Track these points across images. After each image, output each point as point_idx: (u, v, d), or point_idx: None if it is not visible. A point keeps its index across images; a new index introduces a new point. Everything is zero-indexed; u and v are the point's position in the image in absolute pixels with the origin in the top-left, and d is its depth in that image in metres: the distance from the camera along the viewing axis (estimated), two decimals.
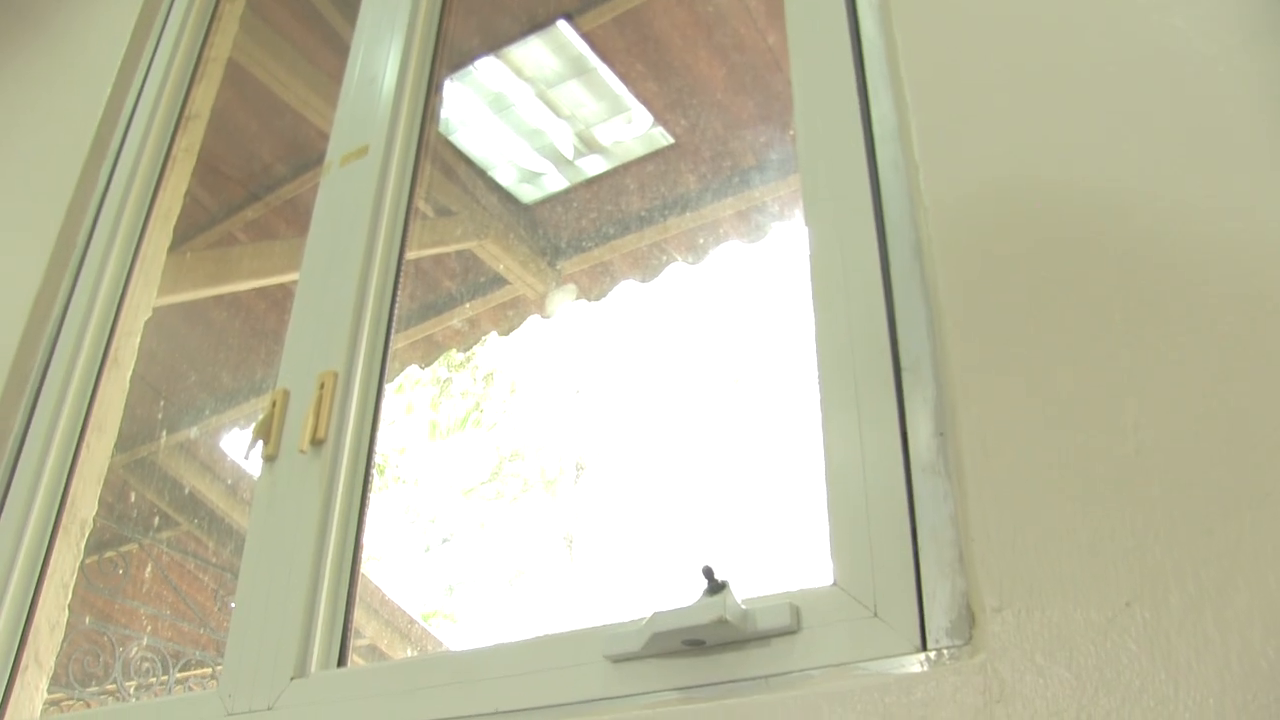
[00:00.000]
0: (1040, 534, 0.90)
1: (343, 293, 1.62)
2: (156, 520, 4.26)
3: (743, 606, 1.03)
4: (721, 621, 1.01)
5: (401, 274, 1.67)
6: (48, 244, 2.12)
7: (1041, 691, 0.84)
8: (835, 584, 1.04)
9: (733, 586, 1.04)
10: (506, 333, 3.85)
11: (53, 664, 1.84)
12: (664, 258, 3.62)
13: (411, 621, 4.71)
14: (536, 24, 3.16)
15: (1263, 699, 0.77)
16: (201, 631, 4.43)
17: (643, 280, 3.67)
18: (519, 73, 3.34)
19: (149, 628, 4.22)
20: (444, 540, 6.12)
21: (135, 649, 4.14)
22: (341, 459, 1.49)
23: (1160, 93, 1.03)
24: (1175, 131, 1.01)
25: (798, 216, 3.45)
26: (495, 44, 3.22)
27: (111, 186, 2.18)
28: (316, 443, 1.49)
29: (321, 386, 1.53)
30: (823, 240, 1.22)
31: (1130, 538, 0.86)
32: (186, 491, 4.13)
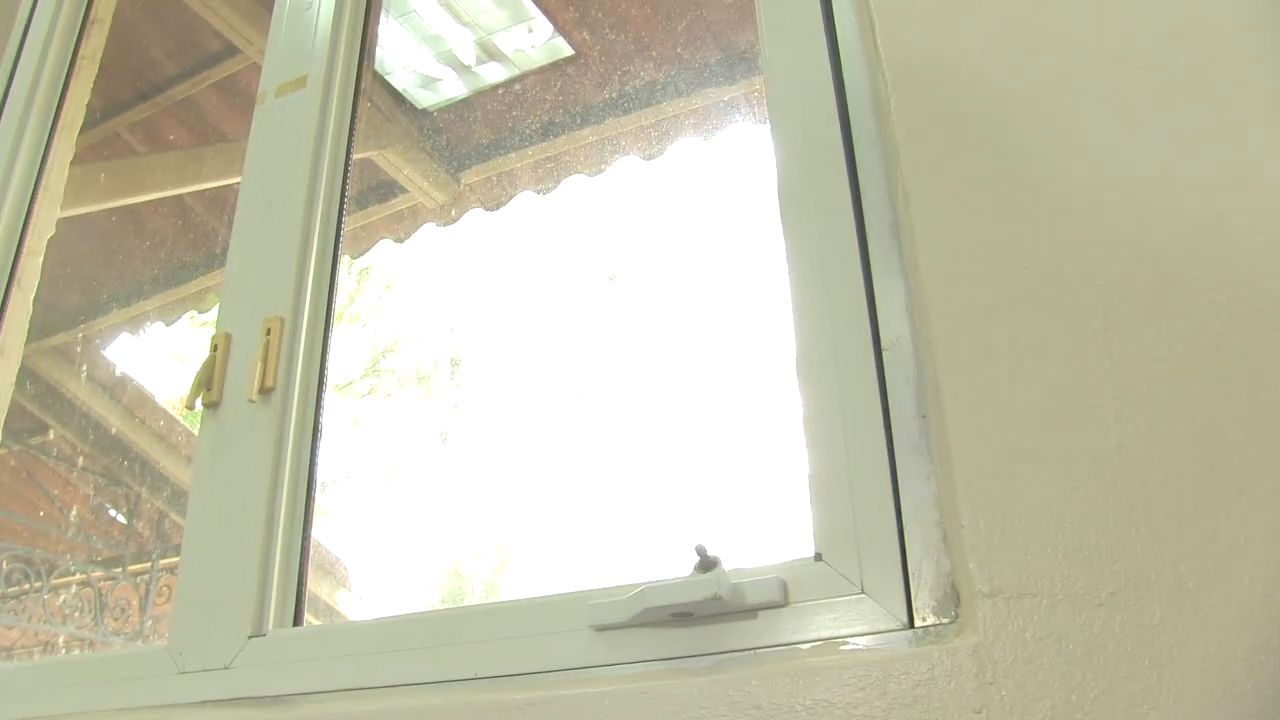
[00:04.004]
0: (1027, 522, 0.93)
1: (286, 233, 1.57)
2: (24, 425, 4.13)
3: (732, 581, 1.05)
4: (715, 598, 1.03)
5: (345, 211, 1.63)
6: None
7: (1033, 675, 0.88)
8: (819, 558, 1.06)
9: (724, 563, 1.07)
10: (401, 240, 3.79)
11: None
12: (563, 170, 3.59)
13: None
14: None
15: (1240, 687, 0.82)
16: (77, 539, 4.33)
17: (541, 192, 3.64)
18: None
19: (20, 536, 4.12)
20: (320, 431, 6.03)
21: (4, 560, 4.04)
22: (291, 408, 1.46)
23: (1157, 71, 1.05)
24: (1164, 123, 1.03)
25: (695, 136, 3.46)
26: None
27: (11, 96, 2.06)
28: (265, 391, 1.46)
29: (268, 333, 1.49)
30: (798, 228, 1.23)
31: (1114, 530, 0.90)
32: (63, 396, 4.00)
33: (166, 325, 4.07)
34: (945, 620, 0.98)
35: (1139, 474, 0.92)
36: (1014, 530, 0.94)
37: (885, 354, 1.12)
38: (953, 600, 0.98)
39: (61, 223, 2.13)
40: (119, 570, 4.37)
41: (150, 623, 4.30)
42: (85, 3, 2.16)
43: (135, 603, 4.35)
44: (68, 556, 4.23)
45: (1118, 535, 0.90)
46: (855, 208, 1.20)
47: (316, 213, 1.60)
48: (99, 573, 4.34)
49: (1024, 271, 1.02)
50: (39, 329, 3.58)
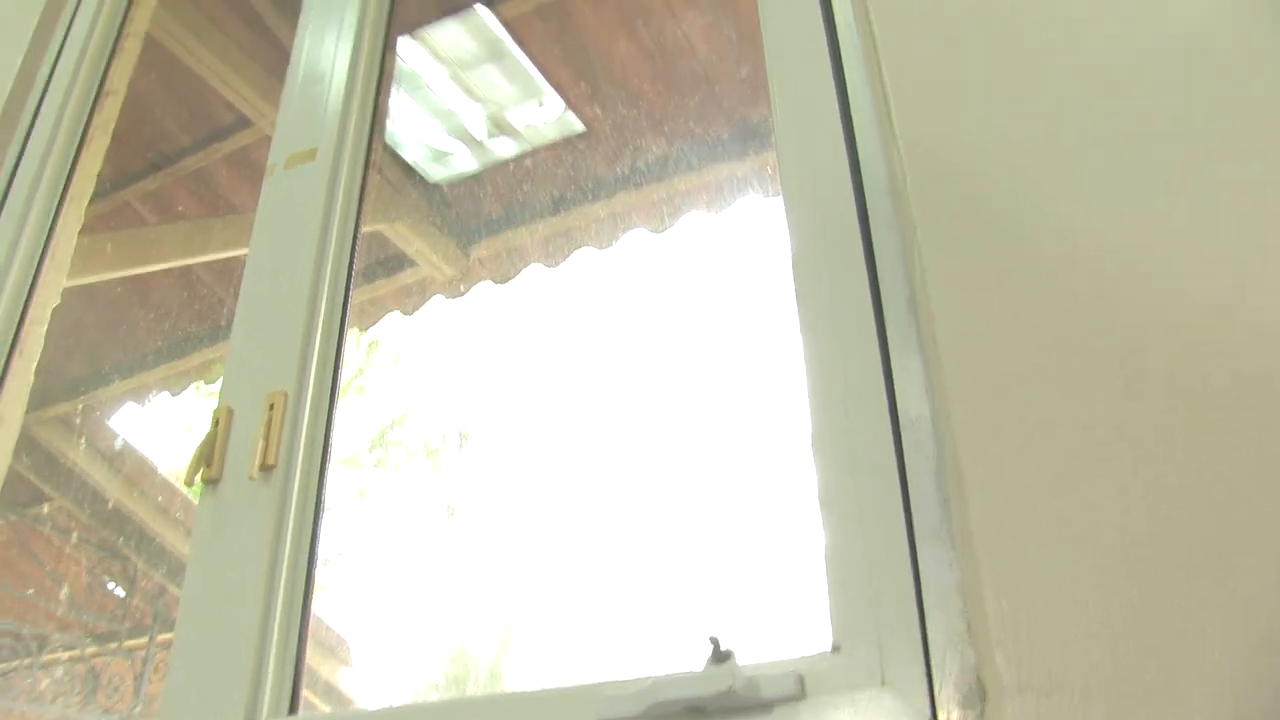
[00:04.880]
0: (1057, 614, 0.89)
1: (292, 306, 1.55)
2: (22, 495, 4.09)
3: (747, 675, 1.02)
4: (729, 691, 0.99)
5: (352, 286, 1.61)
6: None
7: None
8: (837, 650, 1.03)
9: (738, 656, 1.03)
10: (410, 312, 3.78)
11: None
12: (573, 243, 3.60)
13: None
14: (456, 6, 3.09)
15: None
16: (71, 615, 4.27)
17: (550, 265, 3.64)
18: (434, 53, 3.27)
19: (12, 610, 4.06)
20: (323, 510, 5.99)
21: None
22: (293, 487, 1.43)
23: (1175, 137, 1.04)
24: (1176, 201, 1.02)
25: (706, 210, 3.47)
26: (412, 25, 3.14)
27: (22, 166, 2.05)
28: (266, 468, 1.43)
29: (271, 408, 1.47)
30: (813, 304, 1.21)
31: (1151, 619, 0.86)
32: (63, 466, 3.97)
33: (173, 395, 4.06)
34: (971, 716, 0.93)
35: (1177, 558, 0.88)
36: (1043, 621, 0.90)
37: (904, 434, 1.10)
38: (979, 695, 0.94)
39: (67, 291, 2.11)
40: (115, 645, 4.30)
41: (140, 706, 4.23)
42: (100, 73, 2.17)
43: (130, 680, 4.28)
44: (57, 634, 4.17)
45: (1156, 625, 0.86)
46: (871, 284, 1.19)
47: (324, 285, 1.58)
48: (92, 649, 4.28)
49: (1046, 349, 1.00)
50: (41, 397, 3.56)
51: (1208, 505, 0.89)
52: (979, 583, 0.94)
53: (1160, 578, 0.88)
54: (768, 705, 1.01)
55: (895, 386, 1.13)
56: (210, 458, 1.48)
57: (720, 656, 1.03)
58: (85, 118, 2.12)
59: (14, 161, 2.06)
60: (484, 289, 3.76)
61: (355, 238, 1.65)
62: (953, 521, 1.02)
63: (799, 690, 1.00)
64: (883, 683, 0.99)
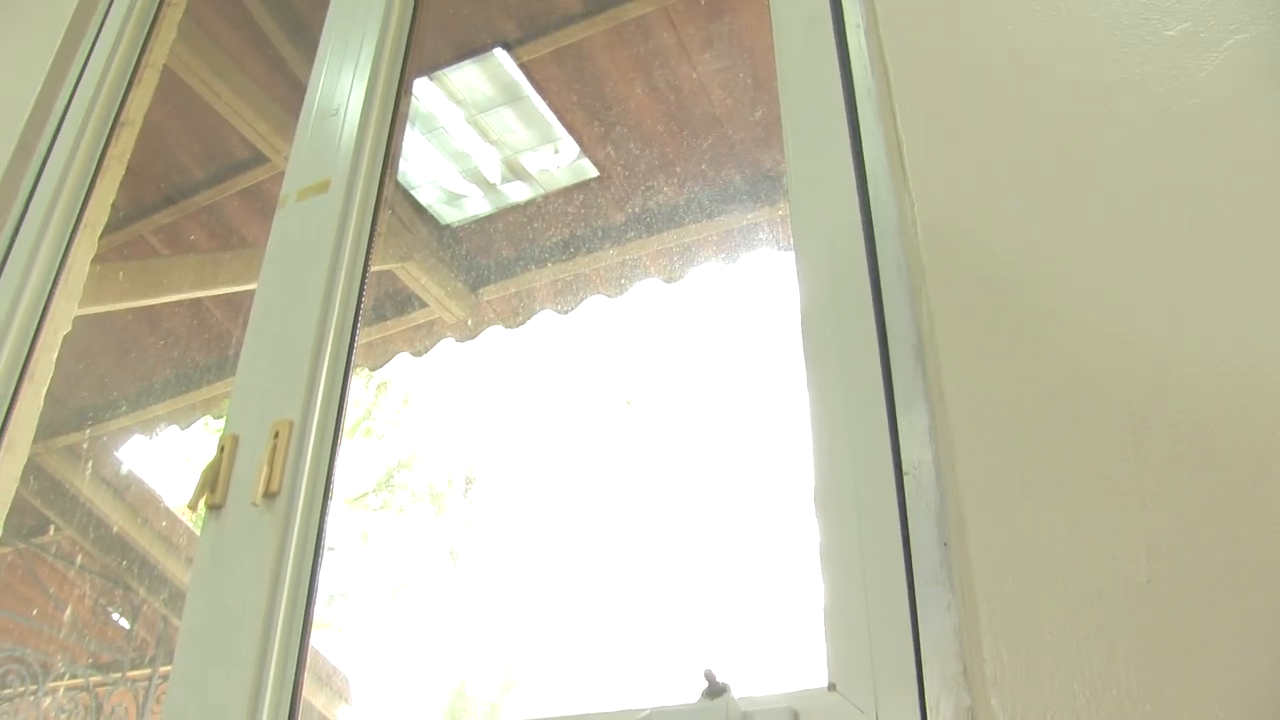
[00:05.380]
0: (1053, 658, 0.89)
1: (301, 335, 1.56)
2: (30, 524, 4.09)
3: (742, 709, 1.01)
4: None
5: (361, 320, 1.62)
6: None
7: None
8: (833, 688, 1.02)
9: (733, 690, 1.03)
10: (419, 354, 3.79)
11: None
12: (584, 290, 3.61)
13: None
14: (474, 50, 3.12)
15: None
16: (76, 642, 4.26)
17: (561, 311, 3.65)
18: (451, 96, 3.30)
19: (18, 637, 4.05)
20: (328, 549, 6.00)
21: None
22: (295, 515, 1.43)
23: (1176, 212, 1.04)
24: (1187, 271, 1.02)
25: (720, 259, 3.48)
26: (430, 66, 3.17)
27: (37, 193, 2.08)
28: (270, 495, 1.43)
29: (276, 436, 1.47)
30: (821, 354, 1.21)
31: (1146, 668, 0.86)
32: (70, 495, 3.97)
33: (181, 429, 4.07)
34: None
35: (1173, 608, 0.88)
36: (1039, 666, 0.90)
37: (906, 479, 1.10)
38: None
39: (78, 320, 2.12)
40: (118, 675, 4.29)
41: None
42: (117, 104, 2.19)
43: (133, 711, 4.26)
44: (62, 660, 4.16)
45: (1150, 674, 0.86)
46: (879, 330, 1.19)
47: (332, 316, 1.58)
48: (96, 677, 4.26)
49: (1050, 400, 1.00)
50: (49, 426, 3.56)
51: (1209, 555, 0.89)
52: (977, 626, 0.94)
53: (1161, 624, 0.87)
54: None
55: (899, 434, 1.13)
56: (215, 483, 1.48)
57: (715, 690, 1.02)
58: (101, 147, 2.14)
59: (30, 188, 2.09)
60: (494, 333, 3.77)
61: (365, 270, 1.66)
62: (952, 565, 1.02)
63: None
64: None
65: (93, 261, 2.15)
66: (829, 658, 1.04)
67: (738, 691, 1.03)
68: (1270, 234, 1.00)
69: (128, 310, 3.46)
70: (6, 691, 3.98)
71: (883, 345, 1.18)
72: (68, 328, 2.08)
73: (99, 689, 4.36)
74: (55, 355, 2.04)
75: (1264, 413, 0.92)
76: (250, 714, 1.30)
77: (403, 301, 3.65)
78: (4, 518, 1.99)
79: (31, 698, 3.97)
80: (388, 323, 3.69)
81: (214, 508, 1.48)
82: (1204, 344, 0.97)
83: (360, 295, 1.64)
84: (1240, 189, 1.04)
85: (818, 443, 1.16)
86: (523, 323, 3.71)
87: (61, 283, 2.03)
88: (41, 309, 1.99)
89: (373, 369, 4.14)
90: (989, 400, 1.03)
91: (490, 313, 3.73)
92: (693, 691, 1.04)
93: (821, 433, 1.16)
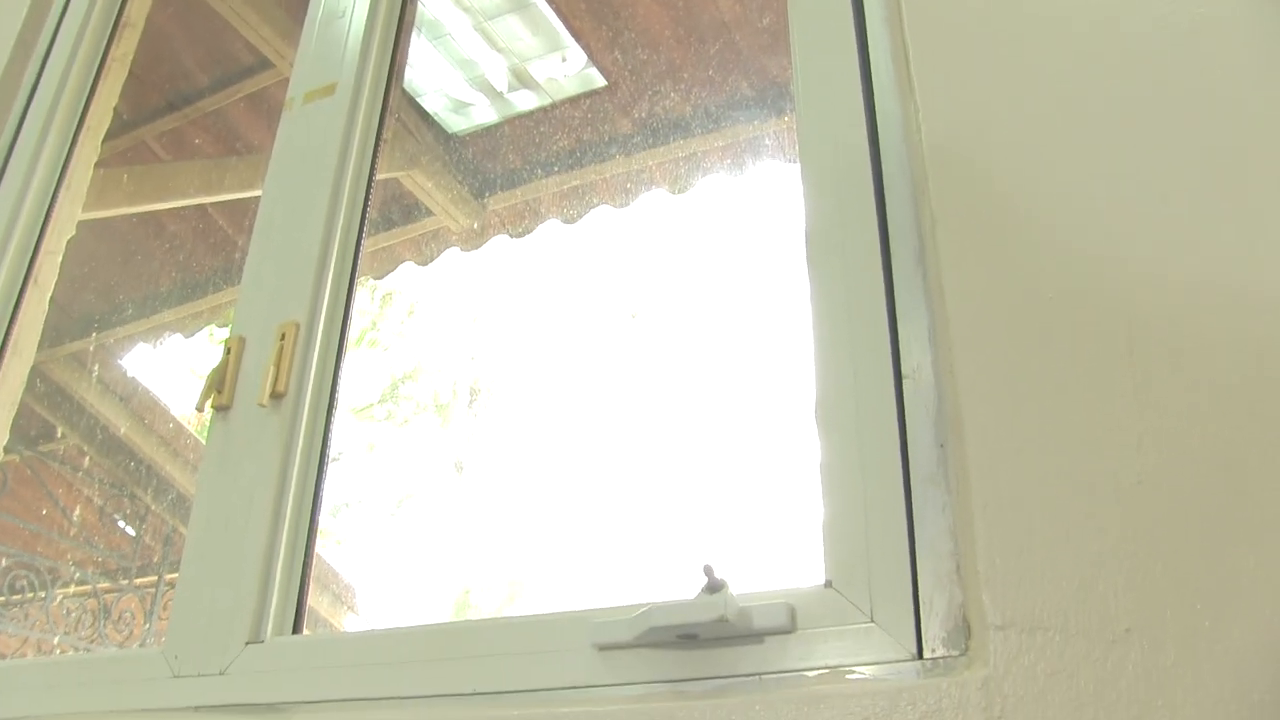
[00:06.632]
0: (1044, 555, 0.91)
1: (306, 239, 1.56)
2: (36, 431, 4.12)
3: (740, 605, 1.03)
4: (721, 619, 1.01)
5: (366, 221, 1.62)
6: None
7: (1042, 712, 0.85)
8: (829, 585, 1.04)
9: (731, 585, 1.04)
10: (424, 263, 3.79)
11: None
12: (590, 199, 3.60)
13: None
14: None
15: None
16: (83, 549, 4.31)
17: (567, 221, 3.64)
18: (458, 2, 3.26)
19: (26, 542, 4.10)
20: (333, 459, 6.02)
21: (6, 564, 4.02)
22: (302, 414, 1.44)
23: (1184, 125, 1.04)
24: (1193, 173, 1.02)
25: (726, 169, 3.46)
26: None
27: (37, 95, 2.06)
28: (276, 396, 1.44)
29: (283, 338, 1.48)
30: (824, 262, 1.21)
31: (1132, 565, 0.88)
32: (75, 402, 3.99)
33: (185, 338, 4.08)
34: (955, 652, 0.95)
35: (1161, 508, 0.90)
36: (1029, 562, 0.91)
37: (905, 382, 1.10)
38: (963, 632, 0.96)
39: (82, 225, 2.12)
40: (125, 582, 4.34)
41: (151, 640, 4.28)
42: (119, 4, 2.16)
43: (139, 615, 4.33)
44: (72, 565, 4.21)
45: (1136, 570, 0.88)
46: (882, 237, 1.19)
47: (339, 220, 1.58)
48: (104, 584, 4.32)
49: (1049, 301, 1.01)
50: (55, 334, 3.57)
51: (1199, 457, 0.90)
52: (971, 526, 0.95)
53: (1149, 522, 0.89)
54: (758, 635, 1.03)
55: (899, 338, 1.13)
56: (221, 385, 1.50)
57: (714, 586, 1.04)
58: (103, 48, 2.12)
59: (31, 86, 2.07)
60: (500, 242, 3.76)
61: (372, 174, 1.65)
62: (949, 465, 1.03)
63: (790, 622, 1.02)
64: (872, 619, 1.00)
65: (96, 166, 2.14)
66: (826, 557, 1.06)
67: (736, 589, 1.05)
68: (1272, 148, 1.00)
69: (132, 216, 3.45)
70: (16, 596, 4.04)
71: (885, 252, 1.18)
72: (72, 231, 2.08)
73: (106, 595, 4.43)
74: (59, 259, 2.04)
75: (1256, 319, 0.92)
76: (258, 610, 1.33)
77: (408, 209, 3.64)
78: (11, 421, 2.01)
79: (40, 603, 4.03)
80: (393, 231, 3.68)
81: (221, 409, 1.49)
82: (1200, 252, 0.97)
83: (366, 199, 1.63)
84: (1242, 104, 1.03)
85: (820, 348, 1.17)
86: (528, 231, 3.70)
87: (64, 185, 2.02)
88: (45, 212, 1.99)
89: (378, 278, 4.14)
90: (988, 305, 1.03)
91: (496, 221, 3.72)
92: (692, 588, 1.06)
93: (823, 337, 1.17)
